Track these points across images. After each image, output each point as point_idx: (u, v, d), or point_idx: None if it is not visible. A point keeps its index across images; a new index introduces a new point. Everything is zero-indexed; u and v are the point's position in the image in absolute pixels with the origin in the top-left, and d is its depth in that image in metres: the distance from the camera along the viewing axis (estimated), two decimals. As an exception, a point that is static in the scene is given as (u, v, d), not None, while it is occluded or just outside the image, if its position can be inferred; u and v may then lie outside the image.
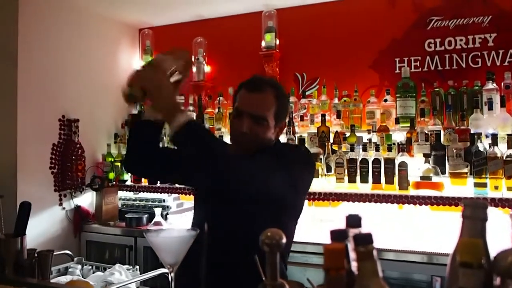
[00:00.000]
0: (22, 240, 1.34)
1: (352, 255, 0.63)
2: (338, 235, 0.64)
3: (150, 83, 1.22)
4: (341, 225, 0.69)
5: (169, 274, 1.00)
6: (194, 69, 3.40)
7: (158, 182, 3.06)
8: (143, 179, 3.21)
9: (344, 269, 0.61)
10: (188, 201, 3.24)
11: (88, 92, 3.29)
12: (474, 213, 0.64)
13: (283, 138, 2.80)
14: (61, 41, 3.08)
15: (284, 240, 0.72)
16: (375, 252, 0.61)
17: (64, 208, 3.10)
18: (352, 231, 0.66)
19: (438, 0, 2.79)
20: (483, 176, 2.25)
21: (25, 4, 2.81)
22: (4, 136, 2.80)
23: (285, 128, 1.43)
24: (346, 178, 2.55)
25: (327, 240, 0.68)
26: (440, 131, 2.46)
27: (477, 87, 2.54)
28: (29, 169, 2.82)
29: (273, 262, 0.70)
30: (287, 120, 1.45)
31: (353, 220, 0.68)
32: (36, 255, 1.36)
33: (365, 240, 0.60)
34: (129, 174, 3.31)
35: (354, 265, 0.64)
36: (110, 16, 3.45)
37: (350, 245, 0.64)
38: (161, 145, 1.57)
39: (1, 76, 2.83)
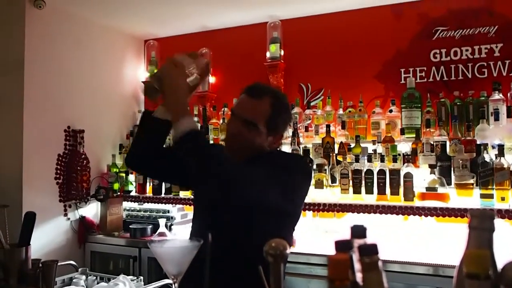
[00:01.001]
0: (27, 250, 1.34)
1: (357, 266, 0.63)
2: (342, 246, 0.63)
3: (167, 78, 1.24)
4: (346, 236, 0.69)
5: (173, 285, 0.99)
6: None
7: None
8: (147, 190, 3.22)
9: (348, 280, 0.60)
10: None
11: (94, 103, 3.31)
12: (481, 224, 0.63)
13: (287, 149, 2.82)
14: (67, 53, 3.12)
15: (288, 251, 0.71)
16: (380, 263, 0.60)
17: (69, 219, 3.11)
18: (357, 242, 0.66)
19: (443, 10, 2.80)
20: (489, 187, 2.23)
21: (31, 16, 2.86)
22: (10, 146, 2.83)
23: (283, 140, 1.39)
24: (351, 189, 2.54)
25: (331, 251, 0.67)
26: (446, 141, 2.45)
27: (483, 98, 2.53)
28: (34, 179, 2.84)
29: (277, 272, 0.69)
30: (286, 133, 1.40)
31: (358, 231, 0.68)
32: (40, 265, 1.36)
33: (370, 251, 0.60)
34: (133, 185, 3.31)
35: (359, 276, 0.63)
36: (116, 27, 3.50)
37: (355, 256, 0.63)
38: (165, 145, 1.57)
39: (8, 87, 2.87)
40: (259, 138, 1.34)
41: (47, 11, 2.90)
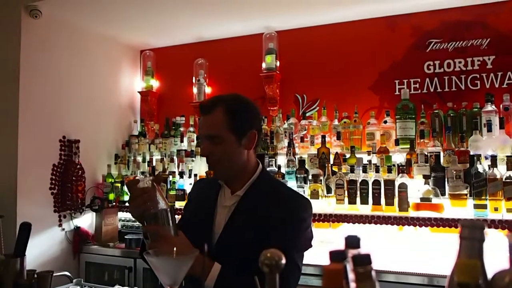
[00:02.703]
0: (22, 261, 1.34)
1: (351, 276, 0.64)
2: (337, 256, 0.64)
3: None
4: (341, 246, 0.69)
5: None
6: (194, 89, 3.44)
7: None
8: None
9: (343, 290, 0.61)
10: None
11: (89, 113, 3.32)
12: (472, 234, 0.65)
13: (283, 160, 2.83)
14: (63, 63, 3.13)
15: (283, 261, 0.72)
16: (373, 273, 0.61)
17: (63, 229, 3.09)
18: (351, 252, 0.67)
19: (436, 23, 2.85)
20: (482, 197, 2.25)
21: (27, 26, 2.87)
22: (4, 156, 2.82)
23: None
24: (346, 199, 2.55)
25: (327, 261, 0.68)
26: (439, 152, 2.48)
27: (476, 109, 2.57)
28: (29, 189, 2.82)
29: (273, 283, 0.70)
30: (257, 128, 1.37)
31: (352, 241, 0.69)
32: (35, 276, 1.36)
33: (363, 261, 0.61)
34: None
35: (353, 286, 0.64)
36: (112, 37, 3.52)
37: (349, 266, 0.64)
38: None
39: (2, 97, 2.86)
40: (231, 147, 1.33)
41: (43, 21, 2.92)
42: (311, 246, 1.40)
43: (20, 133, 2.80)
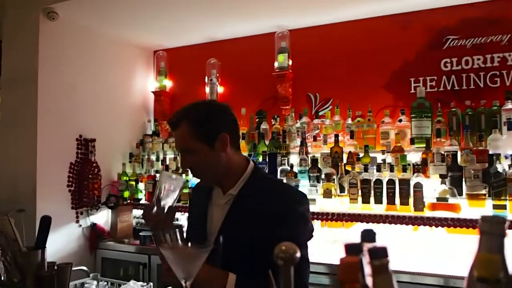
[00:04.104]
0: (43, 253, 1.38)
1: (367, 269, 0.63)
2: (352, 249, 0.64)
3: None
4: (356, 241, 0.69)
5: (184, 288, 1.00)
6: (207, 89, 3.46)
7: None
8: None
9: (358, 283, 0.60)
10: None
11: (105, 113, 3.37)
12: (492, 228, 0.63)
13: (295, 159, 2.82)
14: (79, 65, 3.19)
15: (298, 254, 0.72)
16: (390, 266, 0.61)
17: (80, 225, 3.15)
18: (367, 246, 0.66)
19: (454, 19, 2.79)
20: (502, 197, 2.20)
21: (45, 28, 2.93)
22: (24, 154, 2.89)
23: (231, 136, 1.38)
24: (359, 198, 2.53)
25: (342, 255, 0.67)
26: (457, 151, 2.43)
27: (495, 107, 2.51)
28: (47, 186, 2.89)
29: (287, 276, 0.70)
30: (227, 129, 1.39)
31: (368, 235, 0.68)
32: (55, 267, 1.39)
33: (380, 254, 0.60)
34: (143, 193, 3.34)
35: (369, 280, 0.63)
36: (126, 39, 3.57)
37: (365, 259, 0.64)
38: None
39: (22, 99, 2.94)
40: (206, 155, 1.35)
41: (59, 24, 2.98)
42: (312, 237, 1.42)
43: (39, 132, 2.87)
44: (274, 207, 1.32)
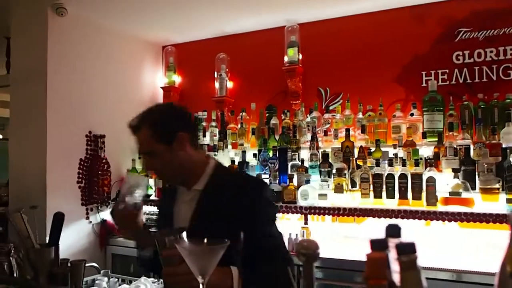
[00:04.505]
0: (57, 250, 1.38)
1: (394, 265, 0.61)
2: (378, 245, 0.62)
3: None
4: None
5: (201, 285, 0.99)
6: (216, 84, 3.45)
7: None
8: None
9: (385, 278, 0.59)
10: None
11: (114, 109, 3.36)
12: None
13: (306, 154, 2.80)
14: (88, 60, 3.19)
15: (319, 250, 0.71)
16: (418, 262, 0.59)
17: (90, 222, 3.16)
18: (392, 241, 0.65)
19: (466, 11, 2.75)
20: (516, 191, 2.17)
21: (53, 24, 2.93)
22: (34, 151, 2.90)
23: (189, 134, 1.43)
24: (371, 193, 2.50)
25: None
26: (469, 145, 2.40)
27: (509, 100, 2.47)
28: (57, 183, 2.89)
29: (309, 271, 0.68)
30: (183, 128, 1.43)
31: (393, 230, 0.66)
32: (69, 264, 1.39)
33: (408, 249, 0.59)
34: (153, 189, 3.34)
35: (395, 277, 0.62)
36: (135, 34, 3.56)
37: (391, 255, 0.62)
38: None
39: (31, 96, 2.94)
40: (166, 155, 1.39)
41: (68, 19, 2.97)
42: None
43: (48, 129, 2.87)
44: (241, 199, 1.36)
